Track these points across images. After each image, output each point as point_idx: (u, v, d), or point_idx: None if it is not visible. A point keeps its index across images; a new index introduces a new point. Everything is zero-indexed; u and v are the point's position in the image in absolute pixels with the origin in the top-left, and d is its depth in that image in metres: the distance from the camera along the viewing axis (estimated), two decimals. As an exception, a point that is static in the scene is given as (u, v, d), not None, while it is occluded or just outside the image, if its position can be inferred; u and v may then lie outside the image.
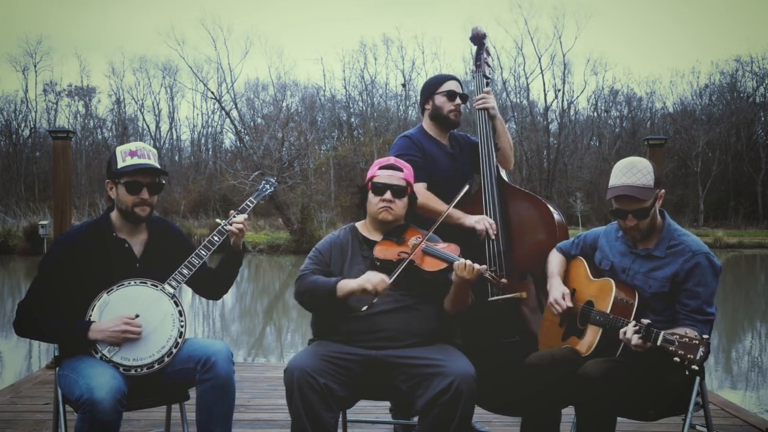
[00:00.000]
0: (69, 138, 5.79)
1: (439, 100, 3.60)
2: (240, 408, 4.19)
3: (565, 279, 3.17)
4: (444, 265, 2.93)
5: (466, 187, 3.25)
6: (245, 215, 3.03)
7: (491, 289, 3.30)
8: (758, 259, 26.55)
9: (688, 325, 2.75)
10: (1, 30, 57.61)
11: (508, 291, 3.22)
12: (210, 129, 45.45)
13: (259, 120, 37.37)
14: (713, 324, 2.85)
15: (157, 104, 45.06)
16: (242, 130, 34.98)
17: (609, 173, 2.91)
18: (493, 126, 3.61)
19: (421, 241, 3.01)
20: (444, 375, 2.75)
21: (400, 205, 3.08)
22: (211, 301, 12.81)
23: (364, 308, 2.83)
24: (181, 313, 2.82)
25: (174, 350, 2.77)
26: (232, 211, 3.03)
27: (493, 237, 3.39)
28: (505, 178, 3.60)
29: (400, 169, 3.11)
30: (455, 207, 3.32)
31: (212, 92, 36.75)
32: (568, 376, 2.77)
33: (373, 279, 2.84)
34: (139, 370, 2.72)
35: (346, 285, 2.88)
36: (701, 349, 2.43)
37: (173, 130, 45.50)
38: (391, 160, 3.16)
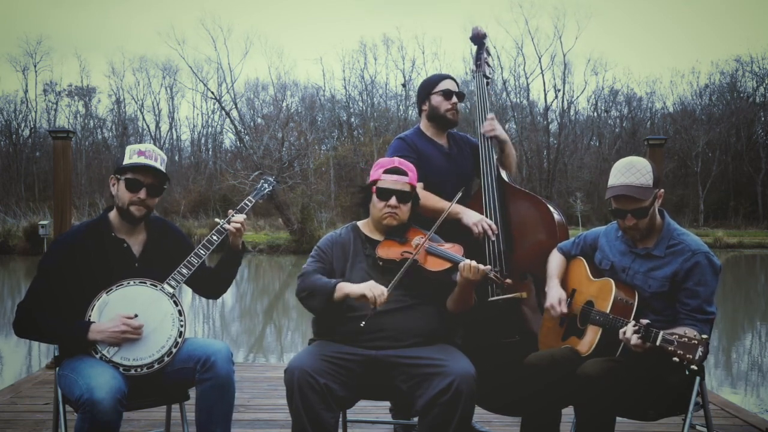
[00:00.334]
0: (69, 138, 5.79)
1: (436, 99, 3.59)
2: (240, 408, 4.19)
3: (566, 279, 3.17)
4: (448, 265, 2.93)
5: (459, 194, 3.24)
6: (244, 215, 3.03)
7: (491, 289, 3.30)
8: (758, 259, 26.55)
9: (689, 324, 2.75)
10: (1, 30, 57.67)
11: (509, 291, 3.22)
12: (210, 129, 45.56)
13: (259, 120, 37.40)
14: (713, 323, 2.85)
15: (157, 104, 45.22)
16: (242, 130, 34.99)
17: (609, 173, 2.91)
18: (501, 149, 3.61)
19: (424, 241, 3.00)
20: (444, 375, 2.75)
21: (405, 210, 3.07)
22: (211, 301, 12.83)
23: (362, 323, 2.80)
24: (180, 313, 2.82)
25: (174, 350, 2.77)
26: (230, 211, 3.02)
27: (494, 238, 3.39)
28: (505, 178, 3.59)
29: (405, 173, 3.07)
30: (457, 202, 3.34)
31: (212, 92, 36.82)
32: (567, 376, 2.77)
33: (374, 289, 2.80)
34: (139, 370, 2.72)
35: (346, 288, 2.86)
36: (700, 349, 2.43)
37: (173, 130, 45.60)
38: (396, 162, 3.12)
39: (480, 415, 3.51)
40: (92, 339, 2.69)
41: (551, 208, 3.48)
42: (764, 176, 39.33)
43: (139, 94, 48.46)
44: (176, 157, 44.60)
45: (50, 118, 43.13)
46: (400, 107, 42.02)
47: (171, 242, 3.01)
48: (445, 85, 3.60)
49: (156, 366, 2.74)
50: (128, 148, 2.88)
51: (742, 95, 43.23)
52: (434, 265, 2.95)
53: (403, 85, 41.51)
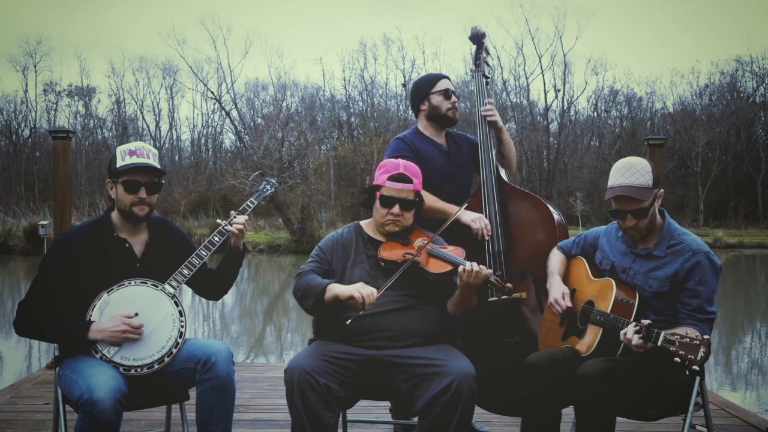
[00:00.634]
0: (69, 138, 5.79)
1: (436, 99, 3.59)
2: (240, 408, 4.20)
3: (566, 279, 3.17)
4: (449, 268, 2.93)
5: (466, 204, 3.27)
6: (245, 216, 3.03)
7: (491, 290, 3.30)
8: (758, 259, 26.54)
9: (690, 324, 2.75)
10: (1, 30, 57.66)
11: (509, 294, 3.22)
12: (210, 129, 45.52)
13: (259, 120, 37.40)
14: (714, 323, 2.85)
15: (157, 104, 45.25)
16: (242, 130, 34.99)
17: (609, 173, 2.91)
18: (498, 138, 3.62)
19: (427, 243, 3.00)
20: (444, 375, 2.75)
21: (408, 217, 3.06)
22: (211, 302, 12.80)
23: (349, 321, 2.80)
24: (181, 313, 2.82)
25: (174, 350, 2.77)
26: (232, 212, 3.02)
27: (487, 238, 3.39)
28: (505, 178, 3.59)
29: (409, 180, 3.03)
30: (456, 201, 3.37)
31: (212, 92, 36.81)
32: (567, 376, 2.77)
33: (363, 290, 2.80)
34: (139, 370, 2.72)
35: (335, 289, 2.86)
36: (702, 350, 2.43)
37: (173, 130, 45.57)
38: (401, 168, 3.05)
39: (480, 415, 3.51)
40: (93, 338, 2.70)
41: (551, 208, 3.49)
42: (764, 176, 39.31)
43: (139, 94, 48.57)
44: (176, 157, 44.61)
45: (50, 118, 43.18)
46: (400, 107, 41.99)
47: (172, 243, 3.01)
48: (444, 84, 3.61)
49: (156, 366, 2.74)
50: (118, 150, 2.87)
51: (742, 95, 43.20)
52: (436, 267, 2.95)
53: (403, 85, 41.49)
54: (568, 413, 3.02)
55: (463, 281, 2.87)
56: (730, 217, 38.16)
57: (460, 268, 2.86)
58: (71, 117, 43.58)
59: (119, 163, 2.84)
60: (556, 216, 3.47)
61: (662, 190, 2.92)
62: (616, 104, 44.64)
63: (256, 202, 3.15)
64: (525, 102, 42.11)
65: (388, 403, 3.79)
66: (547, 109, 41.34)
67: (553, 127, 42.02)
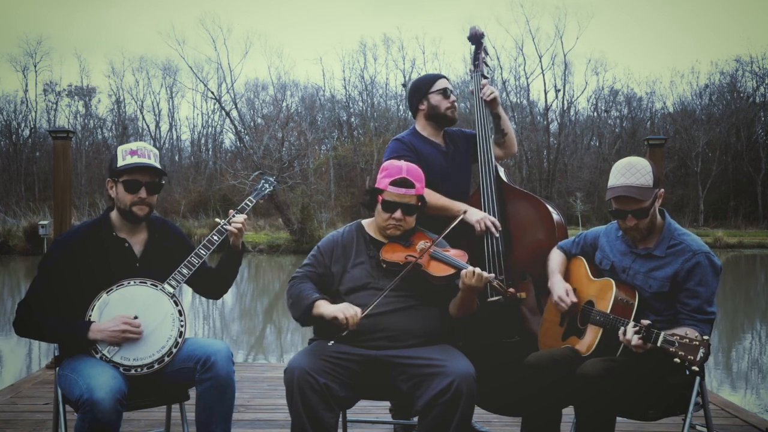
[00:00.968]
0: (69, 138, 5.79)
1: (435, 99, 3.59)
2: (240, 408, 4.20)
3: (566, 278, 3.17)
4: (451, 271, 2.92)
5: (460, 217, 3.25)
6: (244, 215, 3.03)
7: (491, 291, 3.30)
8: (758, 259, 26.54)
9: (689, 324, 2.75)
10: (1, 30, 57.66)
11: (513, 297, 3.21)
12: (210, 129, 45.53)
13: (259, 120, 37.39)
14: (713, 324, 2.85)
15: (157, 104, 45.25)
16: (242, 130, 34.99)
17: (609, 173, 2.91)
18: (497, 114, 3.63)
19: (430, 246, 2.99)
20: (444, 375, 2.74)
21: (411, 221, 3.05)
22: (210, 301, 12.82)
23: (331, 343, 2.81)
24: (180, 313, 2.82)
25: (174, 350, 2.77)
26: (231, 211, 3.02)
27: (497, 235, 3.39)
28: (504, 177, 3.59)
29: (412, 185, 3.00)
30: (455, 200, 3.40)
31: (212, 92, 36.82)
32: (567, 376, 2.77)
33: (347, 311, 2.81)
34: (139, 369, 2.72)
35: (321, 307, 2.88)
36: (702, 350, 2.43)
37: (173, 130, 45.59)
38: (403, 172, 3.01)
39: (480, 415, 3.51)
40: (93, 338, 2.70)
41: (550, 208, 3.48)
42: (764, 176, 39.31)
43: (139, 94, 48.52)
44: (176, 157, 44.61)
45: (50, 118, 43.19)
46: (400, 107, 42.00)
47: (172, 242, 3.01)
48: (443, 84, 3.61)
49: (156, 366, 2.74)
50: (119, 150, 2.87)
51: (742, 95, 43.21)
52: (438, 270, 2.94)
53: (403, 85, 41.49)
54: (568, 413, 3.02)
55: (465, 285, 2.86)
56: (730, 217, 38.16)
57: (463, 272, 2.85)
58: (71, 117, 43.64)
59: (120, 163, 2.84)
60: (555, 216, 3.47)
61: (662, 190, 2.92)
62: (616, 104, 44.68)
63: (254, 201, 3.15)
64: (525, 102, 42.13)
65: (388, 403, 3.79)
66: (547, 109, 41.35)
67: (553, 127, 42.05)
